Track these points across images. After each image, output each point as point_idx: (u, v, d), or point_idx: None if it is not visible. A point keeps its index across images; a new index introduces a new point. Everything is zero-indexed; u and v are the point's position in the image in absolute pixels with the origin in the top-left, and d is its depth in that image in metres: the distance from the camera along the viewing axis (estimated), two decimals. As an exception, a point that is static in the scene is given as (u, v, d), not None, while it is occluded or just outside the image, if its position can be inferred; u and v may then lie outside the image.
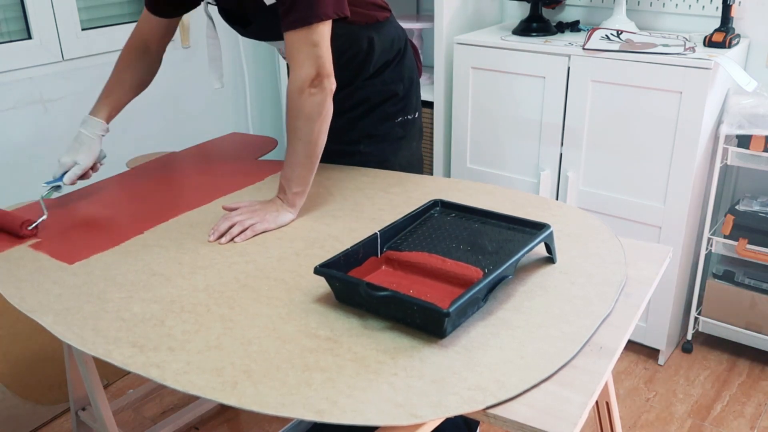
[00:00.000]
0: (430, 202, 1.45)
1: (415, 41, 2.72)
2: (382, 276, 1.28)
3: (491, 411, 0.96)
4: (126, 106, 1.75)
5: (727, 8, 2.19)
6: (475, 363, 1.04)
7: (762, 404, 2.24)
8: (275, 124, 3.20)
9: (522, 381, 1.00)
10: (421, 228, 1.39)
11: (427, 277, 1.26)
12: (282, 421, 1.88)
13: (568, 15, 2.65)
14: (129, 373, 1.08)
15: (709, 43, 2.18)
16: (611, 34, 2.32)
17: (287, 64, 1.52)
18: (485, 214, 1.40)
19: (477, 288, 1.11)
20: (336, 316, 1.17)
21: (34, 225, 1.51)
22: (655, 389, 2.32)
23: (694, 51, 2.12)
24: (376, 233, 1.31)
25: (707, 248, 2.35)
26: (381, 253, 1.32)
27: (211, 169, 1.89)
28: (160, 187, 1.80)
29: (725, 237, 2.30)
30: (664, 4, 2.43)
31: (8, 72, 2.22)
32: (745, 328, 2.36)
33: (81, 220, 1.62)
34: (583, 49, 2.22)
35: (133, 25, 2.53)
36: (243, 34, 1.69)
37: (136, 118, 2.61)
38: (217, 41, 1.80)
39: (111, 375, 2.37)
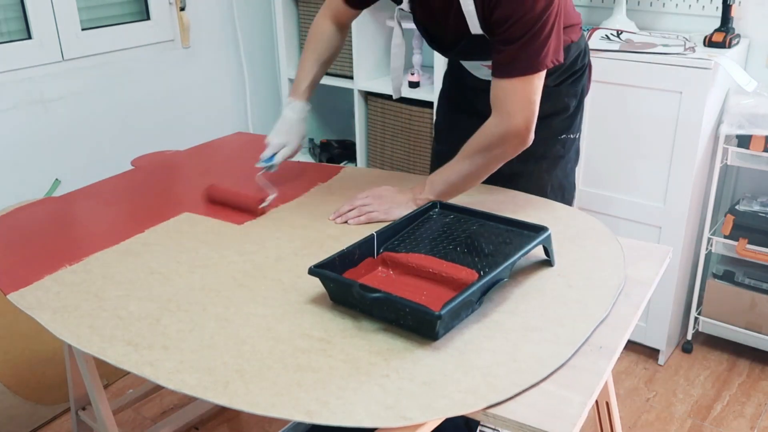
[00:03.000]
0: (429, 203, 1.44)
1: (415, 41, 2.72)
2: (377, 277, 1.28)
3: (490, 411, 0.96)
4: (319, 82, 1.76)
5: (727, 8, 2.19)
6: (467, 365, 1.04)
7: (762, 404, 2.23)
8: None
9: (514, 384, 1.00)
10: (419, 229, 1.38)
11: (423, 279, 1.26)
12: (283, 421, 1.87)
13: (568, 15, 2.64)
14: (129, 372, 1.08)
15: (709, 43, 2.18)
16: (611, 34, 2.31)
17: (491, 104, 1.47)
18: (484, 216, 1.39)
19: (470, 291, 1.11)
20: (330, 317, 1.17)
21: (267, 203, 1.59)
22: (655, 389, 2.32)
23: (694, 51, 2.12)
24: (372, 234, 1.31)
25: (707, 248, 2.35)
26: (377, 254, 1.31)
27: (215, 169, 1.89)
28: (164, 186, 1.80)
29: (725, 237, 2.30)
30: (664, 4, 2.42)
31: (8, 72, 2.22)
32: (745, 328, 2.35)
33: (81, 219, 1.63)
34: (583, 48, 2.22)
35: (133, 24, 2.57)
36: (444, 55, 1.68)
37: (137, 118, 2.62)
38: (402, 51, 1.78)
39: (111, 375, 2.38)
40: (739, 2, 2.26)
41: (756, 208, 2.28)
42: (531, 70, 1.39)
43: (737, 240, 2.27)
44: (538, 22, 1.34)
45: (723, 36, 2.16)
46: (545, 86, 1.56)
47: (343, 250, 1.26)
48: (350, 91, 2.82)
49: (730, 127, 2.16)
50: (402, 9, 1.59)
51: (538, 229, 1.31)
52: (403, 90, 2.64)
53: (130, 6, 2.59)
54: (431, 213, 1.43)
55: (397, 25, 1.72)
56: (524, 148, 1.47)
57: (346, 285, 1.17)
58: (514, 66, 1.39)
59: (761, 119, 2.11)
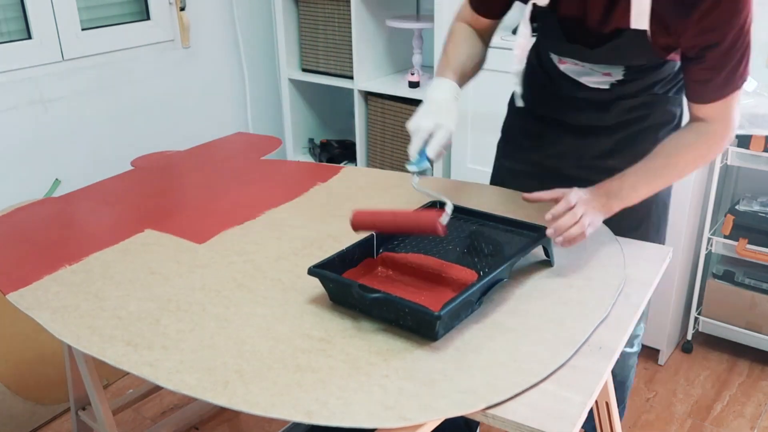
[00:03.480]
0: (429, 203, 1.44)
1: (415, 41, 2.72)
2: (377, 277, 1.28)
3: (490, 411, 0.96)
4: (466, 83, 1.45)
5: (727, 8, 2.18)
6: (467, 366, 1.04)
7: (762, 404, 2.23)
8: (275, 124, 3.21)
9: (514, 384, 1.00)
10: None
11: (423, 279, 1.26)
12: (282, 421, 1.87)
13: (568, 15, 2.64)
14: (129, 372, 1.08)
15: (709, 42, 2.17)
16: (611, 33, 2.31)
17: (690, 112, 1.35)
18: (484, 216, 1.39)
19: (470, 291, 1.11)
20: (330, 317, 1.17)
21: (447, 218, 1.20)
22: (655, 389, 2.32)
23: (693, 51, 2.11)
24: (372, 234, 1.31)
25: (707, 248, 2.35)
26: (377, 254, 1.31)
27: (216, 169, 1.89)
28: (165, 186, 1.80)
29: (725, 237, 2.30)
30: (664, 3, 2.42)
31: (8, 72, 2.22)
32: (745, 328, 2.35)
33: (81, 219, 1.63)
34: (583, 48, 2.21)
35: (133, 24, 2.57)
36: (579, 56, 1.44)
37: (137, 118, 2.62)
38: (527, 52, 1.56)
39: (111, 375, 2.38)
40: (739, 2, 2.26)
41: (756, 208, 2.28)
42: (734, 88, 1.29)
43: (737, 240, 2.27)
44: (745, 37, 1.23)
45: (723, 36, 2.15)
46: (652, 94, 1.47)
47: (343, 250, 1.26)
48: (350, 91, 2.82)
49: (730, 127, 2.16)
50: (537, 3, 1.39)
51: (538, 230, 1.31)
52: (403, 90, 2.65)
53: (130, 6, 2.60)
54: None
55: (526, 24, 1.46)
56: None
57: (345, 285, 1.17)
58: (724, 90, 1.28)
59: (761, 119, 2.11)
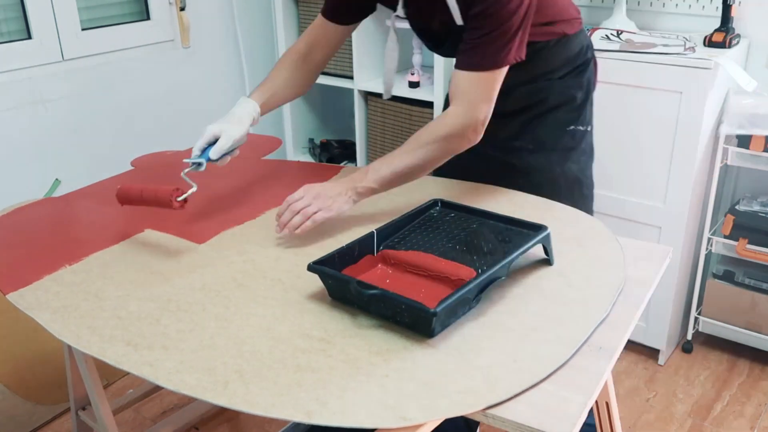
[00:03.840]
0: (430, 201, 1.45)
1: (415, 41, 2.72)
2: (377, 274, 1.28)
3: (490, 411, 0.96)
4: (276, 108, 1.70)
5: (727, 8, 2.19)
6: (467, 365, 1.04)
7: (762, 404, 2.23)
8: (275, 124, 3.21)
9: (514, 384, 1.00)
10: (419, 227, 1.39)
11: (422, 276, 1.26)
12: (282, 421, 1.88)
13: (568, 15, 2.64)
14: (129, 372, 1.08)
15: (709, 43, 2.17)
16: (611, 34, 2.31)
17: (447, 96, 1.50)
18: (484, 215, 1.40)
19: (466, 288, 1.11)
20: (330, 317, 1.17)
21: (184, 196, 1.41)
22: (655, 389, 2.32)
23: (694, 51, 2.12)
24: (372, 231, 1.31)
25: (707, 248, 2.35)
26: (377, 252, 1.32)
27: (216, 169, 1.88)
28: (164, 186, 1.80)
29: (725, 237, 2.30)
30: (664, 4, 2.42)
31: (8, 72, 2.22)
32: (745, 328, 2.35)
33: (81, 219, 1.63)
34: (583, 48, 2.22)
35: (133, 24, 2.57)
36: (436, 52, 1.70)
37: (137, 118, 2.62)
38: (396, 54, 1.75)
39: (111, 375, 2.38)
40: (739, 2, 2.26)
41: (756, 208, 2.28)
42: (496, 65, 1.41)
43: (737, 240, 2.27)
44: (510, 17, 1.37)
45: (723, 36, 2.16)
46: (549, 79, 1.62)
47: (343, 247, 1.26)
48: (350, 91, 2.82)
49: (730, 127, 2.16)
50: (398, 15, 1.60)
51: (538, 228, 1.31)
52: (403, 90, 2.65)
53: (130, 6, 2.59)
54: (432, 211, 1.44)
55: (392, 30, 1.70)
56: (473, 144, 1.48)
57: (343, 282, 1.17)
58: (480, 60, 1.41)
59: (761, 119, 2.11)
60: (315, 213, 1.41)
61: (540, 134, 1.63)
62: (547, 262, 1.34)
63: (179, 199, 1.40)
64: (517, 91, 1.59)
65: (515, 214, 1.43)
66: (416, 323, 1.11)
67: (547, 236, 1.30)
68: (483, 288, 1.17)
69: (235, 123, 1.53)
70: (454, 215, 1.42)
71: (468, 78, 1.43)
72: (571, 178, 1.70)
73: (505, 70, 1.44)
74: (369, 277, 1.26)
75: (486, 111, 1.45)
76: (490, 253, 1.29)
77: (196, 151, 1.49)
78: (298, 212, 1.41)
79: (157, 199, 1.42)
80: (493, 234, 1.35)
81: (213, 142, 1.51)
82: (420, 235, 1.36)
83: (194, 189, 1.42)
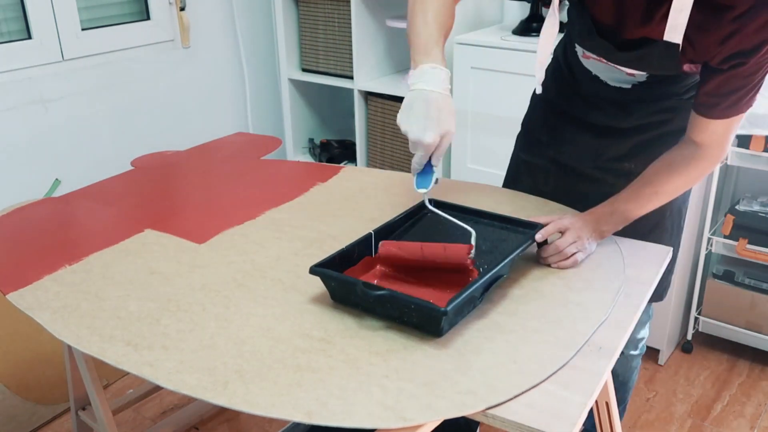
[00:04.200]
0: (423, 201, 1.45)
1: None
2: (377, 275, 1.28)
3: (490, 411, 0.96)
4: None
5: (727, 8, 2.19)
6: (467, 367, 1.04)
7: (762, 404, 2.23)
8: (275, 124, 3.21)
9: (514, 386, 1.00)
10: (414, 227, 1.39)
11: (423, 276, 1.26)
12: (282, 421, 1.89)
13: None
14: (129, 372, 1.08)
15: (709, 42, 2.17)
16: (611, 33, 2.30)
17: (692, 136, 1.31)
18: (478, 214, 1.41)
19: (473, 287, 1.12)
20: (330, 317, 1.17)
21: (473, 252, 1.21)
22: (655, 389, 2.32)
23: (693, 51, 2.11)
24: (370, 232, 1.31)
25: (707, 248, 2.35)
26: (375, 252, 1.32)
27: (216, 169, 1.89)
28: (165, 186, 1.80)
29: (725, 237, 2.30)
30: (664, 3, 2.41)
31: (8, 72, 2.22)
32: (745, 328, 2.35)
33: (81, 219, 1.63)
34: (583, 48, 2.21)
35: (133, 24, 2.57)
36: (607, 55, 1.39)
37: (137, 118, 2.62)
38: (554, 39, 1.44)
39: (111, 375, 2.38)
40: (740, 2, 2.26)
41: (756, 208, 2.28)
42: (747, 108, 1.27)
43: (737, 240, 2.27)
44: (766, 65, 1.21)
45: (723, 36, 2.15)
46: (679, 99, 1.44)
47: (343, 249, 1.26)
48: (350, 91, 2.83)
49: (730, 127, 2.16)
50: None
51: (533, 226, 1.32)
52: (403, 90, 2.65)
53: (130, 6, 2.60)
54: (425, 211, 1.43)
55: (554, 14, 1.38)
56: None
57: (349, 284, 1.17)
58: (737, 108, 1.26)
59: (761, 119, 2.11)
60: (575, 255, 1.32)
61: (652, 158, 1.37)
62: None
63: (471, 255, 1.20)
64: (639, 108, 1.44)
65: (514, 214, 1.43)
66: (425, 323, 1.11)
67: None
68: (488, 286, 1.17)
69: (444, 117, 1.20)
70: (448, 215, 1.42)
71: (725, 124, 1.28)
72: (675, 211, 1.55)
73: None
74: (369, 278, 1.26)
75: (726, 151, 1.33)
76: (489, 251, 1.30)
77: (417, 167, 1.23)
78: (568, 258, 1.31)
79: (448, 260, 1.21)
80: (489, 233, 1.35)
81: None
82: (416, 235, 1.36)
83: (474, 236, 1.26)
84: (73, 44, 2.37)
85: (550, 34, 1.41)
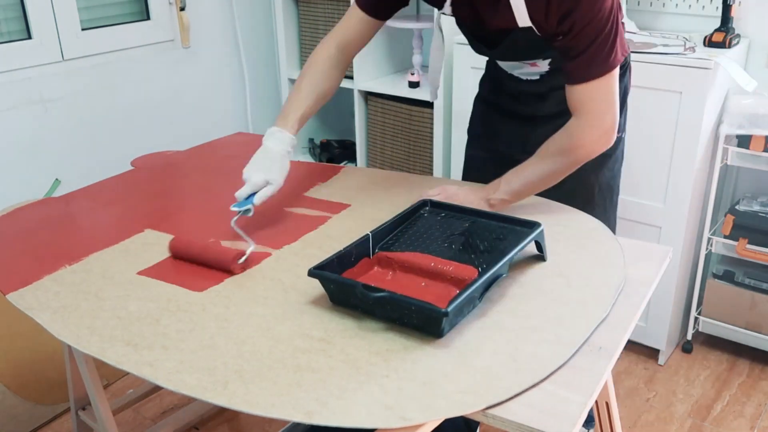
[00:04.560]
0: (419, 201, 1.45)
1: (415, 41, 2.72)
2: (375, 277, 1.28)
3: (490, 411, 0.96)
4: (307, 120, 1.59)
5: (727, 8, 2.19)
6: (467, 366, 1.04)
7: (762, 404, 2.23)
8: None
9: (514, 385, 1.00)
10: (412, 228, 1.39)
11: (421, 276, 1.27)
12: (282, 421, 1.88)
13: (568, 15, 2.64)
14: (129, 372, 1.08)
15: (709, 43, 2.18)
16: (611, 33, 2.31)
17: (576, 110, 1.42)
18: (475, 213, 1.41)
19: (473, 287, 1.12)
20: (330, 317, 1.17)
21: (244, 258, 1.34)
22: (655, 389, 2.32)
23: (694, 51, 2.12)
24: (367, 234, 1.31)
25: (707, 248, 2.35)
26: (373, 254, 1.32)
27: (216, 169, 1.89)
28: (165, 186, 1.80)
29: (725, 237, 2.30)
30: (664, 4, 2.42)
31: (8, 72, 2.22)
32: (745, 328, 2.35)
33: (81, 219, 1.63)
34: (583, 48, 2.21)
35: (133, 24, 2.57)
36: (487, 54, 1.62)
37: (137, 118, 2.62)
38: (441, 53, 1.71)
39: (111, 375, 2.38)
40: (739, 2, 2.26)
41: (756, 208, 2.28)
42: (609, 69, 1.36)
43: (737, 240, 2.27)
44: (606, 21, 1.32)
45: (723, 36, 2.16)
46: None
47: (341, 250, 1.26)
48: (350, 91, 2.82)
49: (730, 127, 2.16)
50: (444, 13, 1.53)
51: (530, 225, 1.32)
52: (403, 90, 2.65)
53: (130, 6, 2.60)
54: (422, 211, 1.44)
55: (437, 30, 1.65)
56: (610, 144, 1.44)
57: (348, 286, 1.17)
58: (590, 70, 1.36)
59: (761, 119, 2.11)
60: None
61: None
62: (541, 258, 1.34)
63: (240, 261, 1.33)
64: (555, 95, 1.56)
65: (514, 213, 1.43)
66: (425, 324, 1.10)
67: (541, 232, 1.31)
68: (488, 286, 1.18)
69: (276, 169, 1.47)
70: (444, 215, 1.42)
71: (584, 90, 1.38)
72: (604, 185, 1.66)
73: (617, 70, 1.38)
74: (367, 280, 1.26)
75: (611, 117, 1.40)
76: (488, 251, 1.30)
77: (241, 198, 1.44)
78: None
79: (217, 262, 1.35)
80: (486, 232, 1.35)
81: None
82: (414, 236, 1.36)
83: (252, 248, 1.37)
84: (73, 44, 2.37)
85: (436, 47, 1.70)
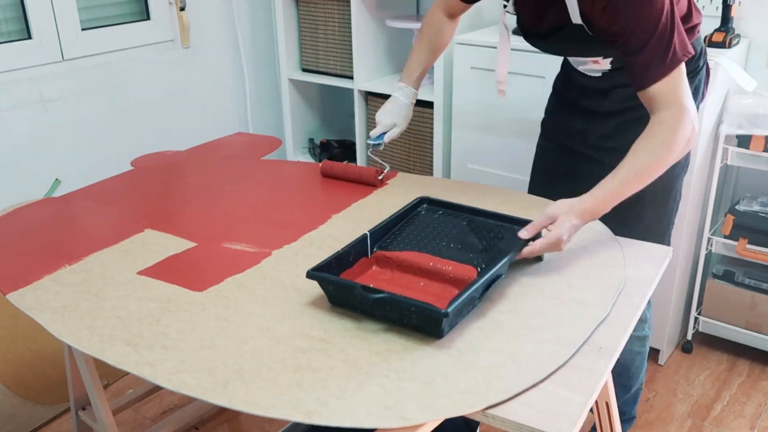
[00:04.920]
0: (416, 199, 1.45)
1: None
2: (373, 277, 1.28)
3: (490, 411, 0.96)
4: (426, 73, 1.82)
5: (727, 8, 2.19)
6: (467, 366, 1.04)
7: (762, 404, 2.23)
8: (275, 124, 3.21)
9: (514, 385, 1.00)
10: (409, 226, 1.39)
11: (419, 276, 1.27)
12: (282, 421, 1.88)
13: (568, 15, 2.64)
14: (129, 372, 1.08)
15: (709, 43, 2.17)
16: (611, 33, 2.31)
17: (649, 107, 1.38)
18: (472, 212, 1.40)
19: (473, 287, 1.12)
20: (330, 317, 1.17)
21: (383, 175, 1.74)
22: (655, 389, 2.31)
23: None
24: (365, 233, 1.31)
25: (707, 248, 2.34)
26: (371, 254, 1.31)
27: (216, 169, 1.89)
28: (165, 186, 1.80)
29: (725, 237, 2.30)
30: (664, 3, 2.42)
31: (8, 72, 2.22)
32: (745, 328, 2.35)
33: (81, 219, 1.63)
34: (583, 48, 2.22)
35: (133, 24, 2.57)
36: (539, 47, 1.63)
37: (137, 118, 2.62)
38: (508, 48, 1.74)
39: (111, 375, 2.38)
40: (739, 2, 2.26)
41: (756, 208, 2.28)
42: (674, 64, 1.34)
43: (737, 240, 2.27)
44: (658, 19, 1.31)
45: (723, 36, 2.16)
46: None
47: (339, 251, 1.26)
48: (350, 91, 2.82)
49: (730, 127, 2.16)
50: (507, 10, 1.58)
51: (526, 223, 1.32)
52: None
53: (130, 6, 2.60)
54: (419, 209, 1.44)
55: (502, 26, 1.68)
56: (696, 141, 1.41)
57: (347, 287, 1.17)
58: (649, 73, 1.34)
59: (761, 119, 2.11)
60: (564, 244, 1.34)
61: (636, 137, 1.42)
62: (546, 262, 1.34)
63: (380, 177, 1.72)
64: (616, 93, 1.59)
65: (514, 213, 1.43)
66: (425, 325, 1.10)
67: (539, 232, 1.30)
68: (487, 286, 1.17)
69: (402, 116, 1.75)
70: (442, 213, 1.42)
71: (659, 88, 1.35)
72: (658, 185, 1.54)
73: (682, 66, 1.36)
74: (366, 279, 1.26)
75: (692, 104, 1.36)
76: (486, 250, 1.29)
77: (374, 135, 1.73)
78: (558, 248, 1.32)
79: (361, 177, 1.74)
80: (484, 231, 1.35)
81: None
82: (411, 235, 1.36)
83: (387, 168, 1.76)
84: (73, 44, 2.37)
85: (504, 48, 1.73)
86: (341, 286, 1.18)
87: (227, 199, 1.68)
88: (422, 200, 1.45)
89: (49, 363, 2.21)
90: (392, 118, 1.74)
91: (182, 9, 2.69)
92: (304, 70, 3.00)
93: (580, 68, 1.66)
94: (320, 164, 1.81)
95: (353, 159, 2.98)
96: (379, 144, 1.72)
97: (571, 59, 1.69)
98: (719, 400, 2.26)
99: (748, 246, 2.25)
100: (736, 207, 2.30)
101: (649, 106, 1.38)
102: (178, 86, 2.75)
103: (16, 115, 2.26)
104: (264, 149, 2.03)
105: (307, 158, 3.11)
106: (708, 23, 2.35)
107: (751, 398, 2.26)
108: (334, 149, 3.02)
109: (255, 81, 3.08)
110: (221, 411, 2.19)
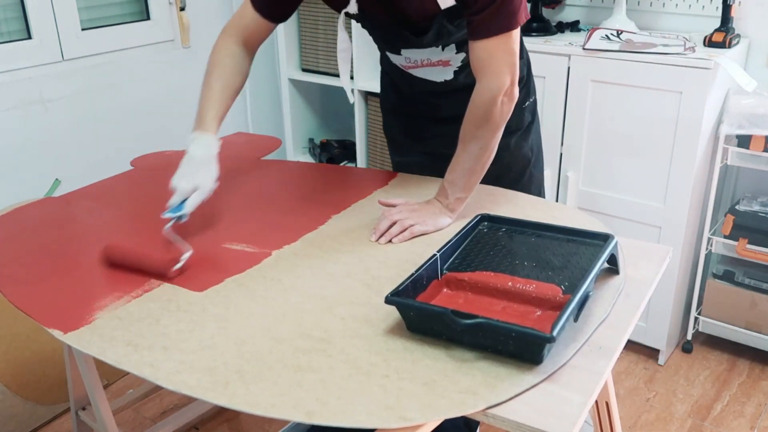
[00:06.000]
0: (477, 217, 1.38)
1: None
2: (447, 300, 1.20)
3: (490, 411, 0.96)
4: (225, 115, 1.56)
5: (727, 8, 2.19)
6: (467, 366, 1.04)
7: (762, 404, 2.23)
8: (275, 124, 3.21)
9: (514, 385, 1.00)
10: (476, 246, 1.31)
11: (497, 297, 1.20)
12: (283, 421, 1.89)
13: (568, 15, 2.64)
14: (129, 372, 1.08)
15: (709, 43, 2.18)
16: (611, 34, 2.31)
17: (464, 71, 1.48)
18: (538, 227, 1.34)
19: (570, 308, 1.05)
20: (330, 317, 1.17)
21: (180, 264, 1.33)
22: (655, 389, 2.32)
23: (694, 51, 2.12)
24: (435, 255, 1.23)
25: (707, 248, 2.35)
26: (441, 276, 1.24)
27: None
28: (164, 187, 1.80)
29: (725, 237, 2.30)
30: (664, 4, 2.42)
31: (8, 72, 2.22)
32: (745, 328, 2.35)
33: (81, 219, 1.63)
34: (583, 49, 2.22)
35: (133, 24, 2.57)
36: (411, 46, 1.55)
37: (137, 118, 2.62)
38: (349, 55, 1.63)
39: (111, 375, 2.38)
40: (739, 2, 2.26)
41: (756, 208, 2.28)
42: (509, 27, 1.39)
43: (737, 240, 2.27)
44: None
45: (723, 36, 2.16)
46: None
47: (413, 274, 1.17)
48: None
49: (730, 127, 2.16)
50: (348, 13, 1.49)
51: (599, 237, 1.27)
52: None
53: (130, 6, 2.60)
54: (480, 227, 1.37)
55: (343, 31, 1.56)
56: (514, 104, 1.46)
57: (435, 313, 1.07)
58: (491, 26, 1.38)
59: (761, 119, 2.11)
60: (412, 225, 1.45)
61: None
62: (614, 271, 1.29)
63: (175, 268, 1.32)
64: (469, 93, 1.50)
65: (514, 214, 1.43)
66: (524, 351, 1.03)
67: (616, 245, 1.26)
68: (581, 306, 1.11)
69: (202, 175, 1.45)
70: (505, 230, 1.35)
71: (483, 46, 1.40)
72: (535, 149, 1.77)
73: (518, 31, 1.42)
74: (440, 303, 1.18)
75: (512, 73, 1.42)
76: (564, 267, 1.22)
77: (172, 206, 1.44)
78: (395, 223, 1.45)
79: (151, 267, 1.33)
80: (556, 247, 1.28)
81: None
82: (480, 254, 1.28)
83: (190, 253, 1.36)
84: (73, 44, 2.37)
85: (347, 49, 1.60)
86: (426, 312, 1.09)
87: (227, 199, 1.68)
88: (482, 218, 1.38)
89: (49, 363, 2.21)
90: (190, 181, 1.43)
91: (182, 9, 2.69)
92: (304, 70, 3.00)
93: (428, 77, 1.62)
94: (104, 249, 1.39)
95: (353, 159, 2.98)
96: (180, 217, 1.41)
97: (416, 71, 1.61)
98: (719, 400, 2.26)
99: (748, 246, 2.25)
100: (736, 207, 2.30)
101: (475, 62, 1.42)
102: (178, 86, 2.75)
103: (16, 115, 2.26)
104: (264, 149, 2.03)
105: (307, 158, 3.11)
106: (708, 23, 2.35)
107: (751, 398, 2.26)
108: (333, 149, 3.02)
109: (255, 81, 3.08)
110: (221, 411, 2.19)
